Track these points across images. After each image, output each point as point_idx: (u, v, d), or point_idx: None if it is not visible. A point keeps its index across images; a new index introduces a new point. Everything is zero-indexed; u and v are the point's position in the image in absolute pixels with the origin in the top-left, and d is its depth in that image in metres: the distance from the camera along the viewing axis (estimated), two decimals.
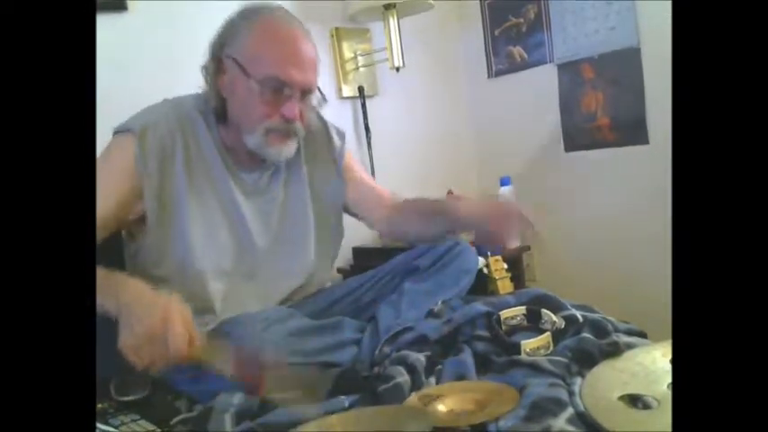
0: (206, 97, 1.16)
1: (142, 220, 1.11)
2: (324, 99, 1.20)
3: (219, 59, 1.12)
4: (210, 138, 1.16)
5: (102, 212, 1.00)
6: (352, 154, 1.43)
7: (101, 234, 1.03)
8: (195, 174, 1.13)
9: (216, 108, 1.14)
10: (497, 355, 1.00)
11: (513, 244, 1.05)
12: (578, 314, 1.06)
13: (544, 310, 1.07)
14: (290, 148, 1.16)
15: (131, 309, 0.87)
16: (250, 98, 1.09)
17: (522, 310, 1.09)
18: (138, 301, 0.88)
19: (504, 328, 1.07)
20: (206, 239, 1.13)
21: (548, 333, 1.02)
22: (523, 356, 0.96)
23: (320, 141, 1.31)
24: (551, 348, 0.99)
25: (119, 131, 1.11)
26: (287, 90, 1.10)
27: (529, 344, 0.98)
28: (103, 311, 0.89)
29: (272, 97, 1.09)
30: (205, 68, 1.15)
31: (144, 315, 0.85)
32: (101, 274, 0.92)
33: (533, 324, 1.07)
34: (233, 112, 1.14)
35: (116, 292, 0.90)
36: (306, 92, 1.13)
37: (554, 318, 1.05)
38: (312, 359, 1.00)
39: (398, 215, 1.30)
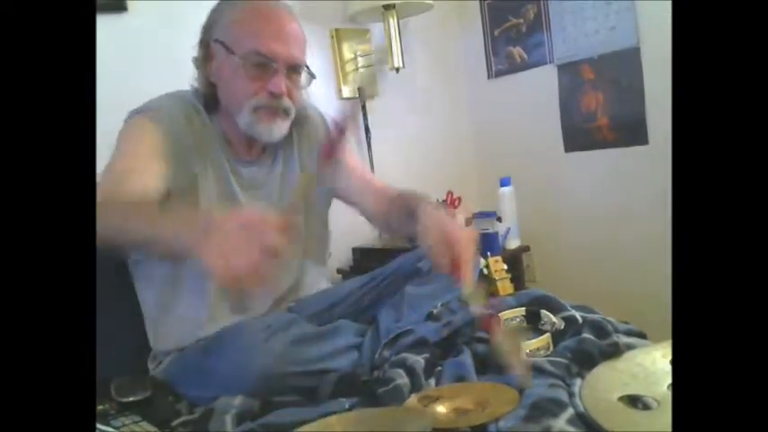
0: (197, 86, 1.16)
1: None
2: (312, 76, 1.19)
3: (207, 44, 1.14)
4: (212, 129, 1.16)
5: (151, 184, 1.01)
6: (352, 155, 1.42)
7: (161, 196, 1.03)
8: (203, 161, 1.14)
9: (207, 96, 1.15)
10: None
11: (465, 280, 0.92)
12: (578, 315, 1.06)
13: (544, 311, 1.07)
14: (280, 127, 1.15)
15: (212, 221, 0.78)
16: (235, 76, 1.10)
17: (521, 311, 1.09)
18: (216, 214, 0.80)
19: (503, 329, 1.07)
20: None
21: (547, 334, 1.02)
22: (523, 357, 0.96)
23: (317, 136, 1.30)
24: (551, 349, 0.99)
25: (134, 115, 1.12)
26: (273, 65, 1.10)
27: (529, 345, 0.98)
28: (174, 249, 0.84)
29: (256, 72, 1.09)
30: (195, 59, 1.16)
31: (228, 217, 0.78)
32: (165, 209, 0.95)
33: (533, 325, 1.07)
34: (222, 96, 1.14)
35: (189, 218, 0.85)
36: (292, 67, 1.13)
37: (554, 319, 1.05)
38: (313, 367, 0.99)
39: (389, 209, 1.27)
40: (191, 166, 1.12)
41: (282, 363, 0.96)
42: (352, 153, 1.39)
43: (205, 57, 1.14)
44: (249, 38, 1.09)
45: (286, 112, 1.15)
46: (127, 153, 1.07)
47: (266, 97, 1.11)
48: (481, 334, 1.06)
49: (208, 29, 1.15)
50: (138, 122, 1.11)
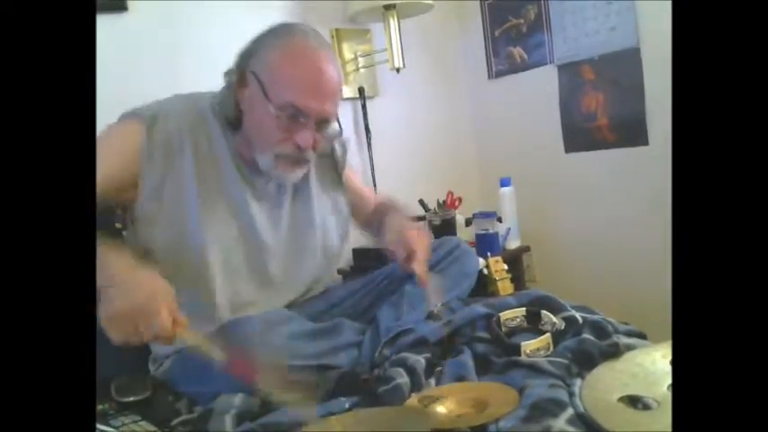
0: (223, 103, 1.14)
1: (125, 207, 1.10)
2: (340, 131, 1.19)
3: (243, 72, 1.11)
4: (223, 138, 1.15)
5: (101, 179, 0.98)
6: (351, 155, 1.43)
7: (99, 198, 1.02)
8: (206, 171, 1.12)
9: (231, 118, 1.13)
10: (497, 356, 1.00)
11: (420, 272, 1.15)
12: (578, 315, 1.06)
13: (544, 312, 1.07)
14: (297, 175, 1.16)
15: (115, 280, 0.86)
16: (266, 121, 1.08)
17: (521, 311, 1.09)
18: (123, 274, 0.88)
19: (503, 329, 1.07)
20: (215, 238, 1.12)
21: (548, 334, 1.02)
22: (523, 358, 0.96)
23: (325, 150, 1.31)
24: (551, 349, 0.99)
25: (126, 116, 1.11)
26: (303, 118, 1.08)
27: (529, 345, 0.98)
28: None
29: (287, 124, 1.08)
30: (228, 75, 1.14)
31: (128, 288, 0.85)
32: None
33: (533, 325, 1.07)
34: (248, 127, 1.13)
35: (104, 260, 0.87)
36: (323, 121, 1.12)
37: (554, 319, 1.05)
38: (312, 362, 1.00)
39: (371, 215, 1.38)
40: (184, 177, 1.10)
41: (281, 356, 0.97)
42: (350, 169, 1.41)
43: (239, 83, 1.11)
44: (286, 89, 1.06)
45: (307, 161, 1.15)
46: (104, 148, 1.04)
47: (292, 148, 1.10)
48: (482, 334, 1.06)
49: (246, 57, 1.11)
50: (123, 126, 1.10)
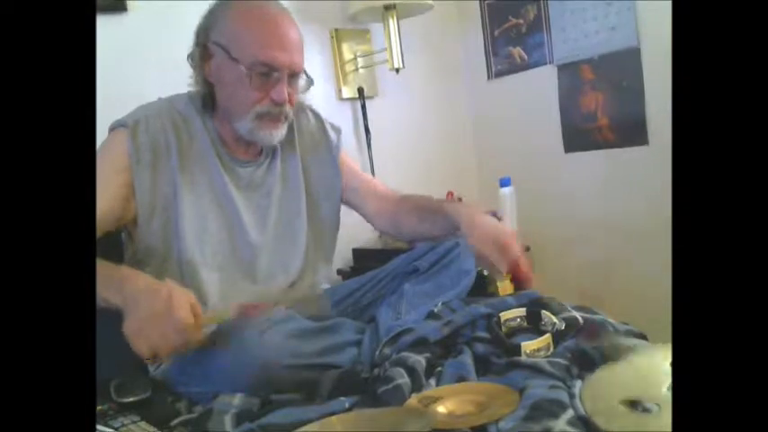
0: (194, 85, 1.17)
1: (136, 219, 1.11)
2: (311, 81, 1.20)
3: (205, 45, 1.13)
4: (205, 132, 1.17)
5: (99, 210, 1.01)
6: (351, 155, 1.44)
7: (98, 233, 1.04)
8: (190, 169, 1.14)
9: (204, 95, 1.15)
10: (497, 356, 1.00)
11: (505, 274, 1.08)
12: (578, 316, 1.05)
13: (544, 312, 1.07)
14: (280, 132, 1.17)
15: (135, 297, 0.89)
16: (239, 84, 1.10)
17: (522, 311, 1.09)
18: (141, 290, 0.90)
19: (504, 329, 1.07)
20: (201, 234, 1.13)
21: (548, 335, 1.01)
22: (524, 358, 0.96)
23: (317, 137, 1.33)
24: (551, 350, 0.99)
25: (113, 128, 1.13)
26: (275, 74, 1.10)
27: (529, 345, 0.98)
28: (108, 305, 0.91)
29: (260, 81, 1.10)
30: (191, 56, 1.16)
31: (148, 300, 0.88)
32: (105, 267, 0.95)
33: (533, 326, 1.07)
34: (221, 98, 1.15)
35: (120, 284, 0.92)
36: (293, 74, 1.14)
37: (554, 319, 1.05)
38: (312, 361, 1.00)
39: (395, 210, 1.32)
40: (172, 175, 1.12)
41: (281, 355, 0.97)
42: (349, 158, 1.41)
43: (202, 57, 1.14)
44: (252, 47, 1.09)
45: (286, 117, 1.16)
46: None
47: (269, 105, 1.12)
48: (482, 334, 1.06)
49: (205, 30, 1.14)
50: (110, 139, 1.12)
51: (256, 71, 1.09)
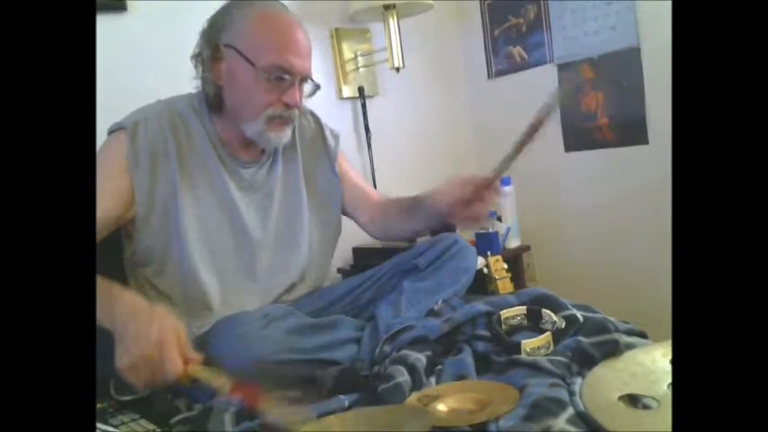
0: (201, 86, 1.16)
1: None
2: (317, 87, 1.21)
3: (216, 47, 1.13)
4: (205, 134, 1.16)
5: (98, 212, 1.01)
6: (351, 155, 1.44)
7: (98, 234, 1.04)
8: (189, 170, 1.14)
9: (211, 97, 1.15)
10: (497, 354, 1.00)
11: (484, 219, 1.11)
12: (579, 314, 1.06)
13: (545, 310, 1.07)
14: (287, 134, 1.18)
15: (127, 326, 0.85)
16: (252, 87, 1.11)
17: (522, 309, 1.09)
18: (133, 317, 0.86)
19: (504, 327, 1.07)
20: (201, 235, 1.13)
21: (548, 333, 1.02)
22: (524, 356, 0.96)
23: (316, 141, 1.33)
24: (552, 348, 0.99)
25: (112, 131, 1.13)
26: (288, 78, 1.11)
27: (529, 344, 0.98)
28: (99, 324, 0.86)
29: (273, 85, 1.11)
30: (198, 57, 1.16)
31: (139, 336, 0.84)
32: (99, 284, 0.90)
33: (534, 324, 1.07)
34: (232, 100, 1.14)
35: (111, 305, 0.88)
36: (304, 79, 1.15)
37: (554, 317, 1.05)
38: (311, 356, 1.01)
39: (383, 215, 1.34)
40: (171, 177, 1.12)
41: (280, 350, 0.98)
42: (347, 164, 1.41)
43: (213, 59, 1.13)
44: (270, 52, 1.10)
45: (292, 120, 1.18)
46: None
47: (281, 108, 1.13)
48: (482, 332, 1.06)
49: (216, 31, 1.14)
50: (108, 142, 1.12)
51: (273, 75, 1.10)
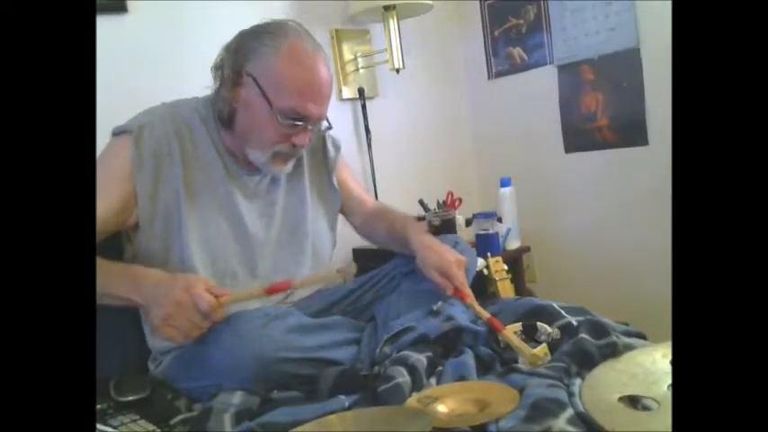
0: (216, 100, 1.15)
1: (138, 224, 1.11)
2: (330, 126, 1.22)
3: (239, 73, 1.11)
4: (210, 140, 1.16)
5: (99, 214, 1.01)
6: (351, 156, 1.45)
7: (98, 236, 1.04)
8: (193, 177, 1.13)
9: (223, 114, 1.14)
10: (499, 363, 1.00)
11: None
12: (574, 320, 1.05)
13: (539, 324, 1.07)
14: (289, 167, 1.20)
15: (155, 291, 0.95)
16: (267, 123, 1.10)
17: (518, 326, 1.09)
18: (160, 283, 0.96)
19: (502, 344, 1.06)
20: (203, 241, 1.13)
21: (544, 345, 1.02)
22: (522, 366, 0.96)
23: (317, 150, 1.34)
24: (549, 357, 0.99)
25: (116, 133, 1.12)
26: (303, 122, 1.11)
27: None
28: (129, 303, 0.98)
29: (287, 127, 1.11)
30: (219, 72, 1.14)
31: (166, 291, 0.94)
32: (118, 268, 1.02)
33: (529, 337, 1.07)
34: (243, 125, 1.13)
35: (137, 282, 0.98)
36: (318, 122, 1.16)
37: (549, 329, 1.05)
38: (311, 355, 1.01)
39: (374, 222, 1.38)
40: (175, 183, 1.11)
41: (280, 349, 0.98)
42: (346, 169, 1.42)
43: (234, 83, 1.11)
44: (290, 96, 1.09)
45: (298, 155, 1.20)
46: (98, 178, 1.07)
47: (288, 147, 1.14)
48: (482, 348, 1.06)
49: (242, 55, 1.11)
50: (112, 144, 1.12)
51: (288, 118, 1.10)
